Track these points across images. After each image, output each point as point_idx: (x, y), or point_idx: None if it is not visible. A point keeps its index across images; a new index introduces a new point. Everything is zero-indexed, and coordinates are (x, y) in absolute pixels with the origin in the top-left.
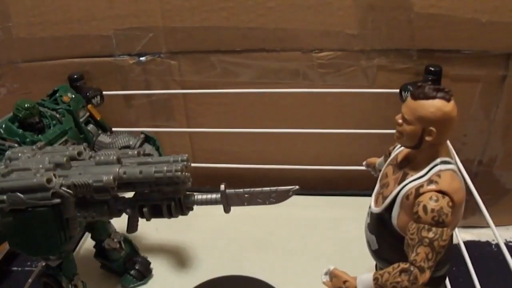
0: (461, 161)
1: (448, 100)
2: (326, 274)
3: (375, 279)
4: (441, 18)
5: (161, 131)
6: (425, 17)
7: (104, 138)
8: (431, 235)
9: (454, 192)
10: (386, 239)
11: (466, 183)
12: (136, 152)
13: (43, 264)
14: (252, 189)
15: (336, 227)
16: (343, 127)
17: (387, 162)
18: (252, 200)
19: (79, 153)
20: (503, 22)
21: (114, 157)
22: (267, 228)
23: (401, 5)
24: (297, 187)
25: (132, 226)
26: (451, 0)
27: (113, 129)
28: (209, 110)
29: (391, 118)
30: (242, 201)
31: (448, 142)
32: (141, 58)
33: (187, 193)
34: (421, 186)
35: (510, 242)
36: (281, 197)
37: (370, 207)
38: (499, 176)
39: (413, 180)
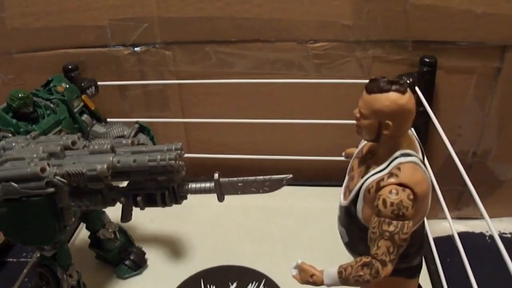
0: (456, 153)
1: (403, 93)
2: (295, 268)
3: (339, 272)
4: (437, 9)
5: (156, 122)
6: (421, 8)
7: (98, 128)
8: (391, 228)
9: (415, 184)
10: (355, 231)
11: (461, 174)
12: (130, 141)
13: (38, 254)
14: (246, 177)
15: (331, 218)
16: (337, 117)
17: (354, 155)
18: (246, 188)
19: (73, 143)
20: (498, 13)
21: (108, 146)
22: (262, 219)
23: None
24: (290, 175)
25: (126, 215)
26: None
27: (108, 119)
28: (204, 100)
29: None
30: (236, 189)
31: (442, 133)
32: (136, 49)
33: (181, 182)
34: (382, 179)
35: (504, 233)
36: (275, 185)
37: (340, 200)
38: (493, 168)
39: (374, 174)
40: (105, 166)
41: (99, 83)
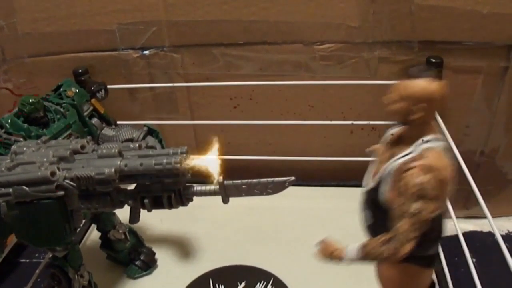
0: (464, 152)
1: (434, 80)
2: (318, 245)
3: (364, 246)
4: (442, 9)
5: (165, 124)
6: (426, 9)
7: (108, 131)
8: (415, 206)
9: (440, 168)
10: (378, 214)
11: (464, 174)
12: (137, 145)
13: (50, 255)
14: (249, 180)
15: (338, 218)
16: (345, 118)
17: (381, 141)
18: (250, 191)
19: (82, 147)
20: (504, 13)
21: (116, 150)
22: (270, 219)
23: None
24: (293, 178)
25: (134, 217)
26: None
27: (118, 122)
28: (212, 102)
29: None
30: (240, 192)
31: (447, 133)
32: (144, 52)
33: (187, 184)
34: (408, 162)
35: None
36: (278, 188)
37: (364, 185)
38: (502, 167)
39: (402, 157)
40: (113, 169)
41: (108, 86)
